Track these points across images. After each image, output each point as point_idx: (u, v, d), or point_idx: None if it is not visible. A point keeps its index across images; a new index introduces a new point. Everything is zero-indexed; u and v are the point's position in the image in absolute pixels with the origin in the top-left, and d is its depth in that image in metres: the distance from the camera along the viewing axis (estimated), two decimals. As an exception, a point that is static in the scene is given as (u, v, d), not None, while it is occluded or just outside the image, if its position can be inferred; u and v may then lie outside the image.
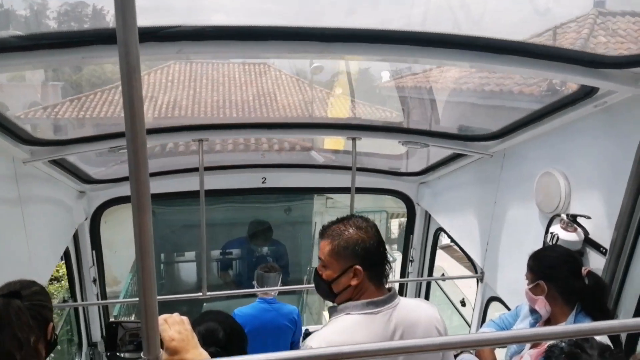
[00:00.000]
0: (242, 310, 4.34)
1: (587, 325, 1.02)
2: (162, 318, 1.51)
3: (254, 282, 4.48)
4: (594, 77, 2.42)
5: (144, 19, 2.14)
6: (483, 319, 4.15)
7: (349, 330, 1.97)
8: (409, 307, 2.08)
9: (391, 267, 2.08)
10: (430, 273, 5.32)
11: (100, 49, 1.95)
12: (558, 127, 3.00)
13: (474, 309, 4.32)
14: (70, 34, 1.96)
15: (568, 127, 2.93)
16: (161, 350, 0.90)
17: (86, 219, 4.63)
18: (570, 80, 2.59)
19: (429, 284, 5.51)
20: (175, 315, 1.55)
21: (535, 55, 2.35)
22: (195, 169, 3.74)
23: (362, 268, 2.02)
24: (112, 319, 5.24)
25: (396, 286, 5.47)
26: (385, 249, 2.07)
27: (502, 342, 0.93)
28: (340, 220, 2.12)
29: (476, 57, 2.34)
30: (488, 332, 2.28)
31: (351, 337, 1.94)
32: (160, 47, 2.07)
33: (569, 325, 1.06)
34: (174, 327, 1.49)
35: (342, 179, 4.69)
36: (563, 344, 1.78)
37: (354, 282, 2.04)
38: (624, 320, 1.04)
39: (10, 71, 2.20)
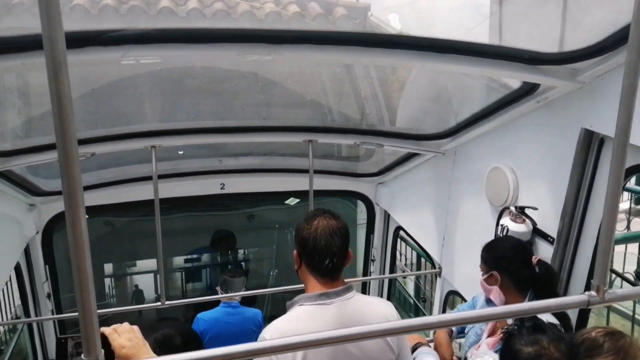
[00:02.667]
0: (206, 314, 4.29)
1: (526, 304, 1.07)
2: (112, 328, 1.53)
3: (218, 288, 4.44)
4: (534, 73, 2.53)
5: (87, 23, 2.10)
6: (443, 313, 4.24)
7: (300, 320, 2.01)
8: (363, 302, 2.11)
9: (339, 262, 2.04)
10: (391, 271, 5.40)
11: (40, 54, 1.90)
12: (504, 124, 3.11)
13: (432, 304, 4.40)
14: (8, 39, 1.90)
15: (513, 123, 3.05)
16: (102, 350, 0.89)
17: (37, 232, 4.47)
18: (512, 77, 2.69)
19: (391, 283, 5.59)
20: (125, 324, 1.57)
21: (478, 54, 2.44)
22: (150, 177, 3.68)
23: (298, 255, 2.10)
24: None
25: (359, 285, 5.52)
26: (340, 246, 2.04)
27: (445, 325, 0.96)
28: (314, 212, 2.17)
29: (421, 57, 2.41)
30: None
31: (302, 326, 1.98)
32: (105, 52, 2.04)
33: (511, 305, 1.11)
34: (124, 335, 1.51)
35: (301, 182, 4.71)
36: (516, 326, 1.84)
37: (296, 267, 2.13)
38: (558, 299, 1.10)
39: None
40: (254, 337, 4.37)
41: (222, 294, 4.34)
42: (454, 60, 2.46)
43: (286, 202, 6.68)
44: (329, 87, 3.88)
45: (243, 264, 7.97)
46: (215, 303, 4.43)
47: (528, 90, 2.78)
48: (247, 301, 4.86)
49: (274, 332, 1.98)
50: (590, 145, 2.55)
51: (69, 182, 0.78)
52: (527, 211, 2.92)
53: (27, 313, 4.39)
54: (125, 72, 3.12)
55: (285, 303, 2.16)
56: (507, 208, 3.03)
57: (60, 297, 4.87)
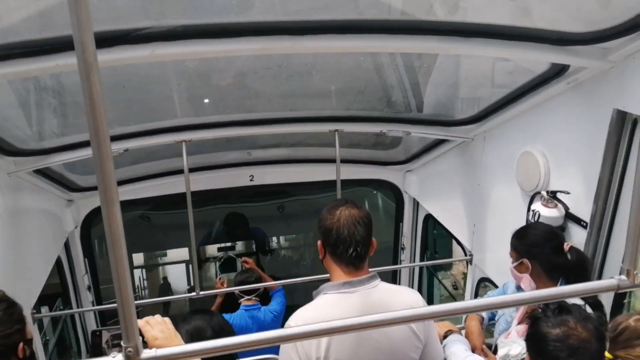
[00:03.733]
0: (226, 317, 4.33)
1: (554, 289, 1.07)
2: (144, 320, 1.59)
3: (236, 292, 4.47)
4: (563, 54, 2.48)
5: (116, 23, 2.16)
6: (475, 301, 4.20)
7: (323, 308, 2.04)
8: (388, 290, 2.12)
9: (362, 251, 2.05)
10: (422, 259, 5.38)
11: (73, 55, 1.96)
12: (534, 107, 3.05)
13: (464, 292, 4.38)
14: (41, 41, 1.97)
15: (543, 105, 2.99)
16: (141, 337, 0.94)
17: (76, 227, 4.63)
18: (540, 59, 2.63)
19: (422, 272, 5.57)
20: (157, 316, 1.63)
21: (504, 37, 2.40)
22: (182, 171, 3.76)
23: (322, 245, 2.11)
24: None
25: (389, 274, 5.53)
26: (363, 234, 2.05)
27: (470, 310, 0.97)
28: (336, 202, 2.18)
29: (446, 42, 2.38)
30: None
31: (325, 314, 2.01)
32: (134, 50, 2.09)
33: (539, 291, 1.10)
34: (157, 327, 1.57)
35: (329, 172, 4.72)
36: (541, 309, 1.82)
37: (321, 257, 2.16)
38: (587, 284, 1.09)
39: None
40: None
41: (240, 296, 4.39)
42: (480, 44, 2.43)
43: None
44: (354, 75, 3.86)
45: (276, 251, 8.08)
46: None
47: (557, 71, 2.72)
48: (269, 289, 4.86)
49: (299, 320, 2.02)
50: (623, 126, 2.48)
51: (104, 178, 0.82)
52: (559, 196, 2.87)
53: (68, 305, 4.57)
54: (153, 69, 3.18)
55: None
56: (539, 193, 2.98)
57: (100, 288, 5.05)
